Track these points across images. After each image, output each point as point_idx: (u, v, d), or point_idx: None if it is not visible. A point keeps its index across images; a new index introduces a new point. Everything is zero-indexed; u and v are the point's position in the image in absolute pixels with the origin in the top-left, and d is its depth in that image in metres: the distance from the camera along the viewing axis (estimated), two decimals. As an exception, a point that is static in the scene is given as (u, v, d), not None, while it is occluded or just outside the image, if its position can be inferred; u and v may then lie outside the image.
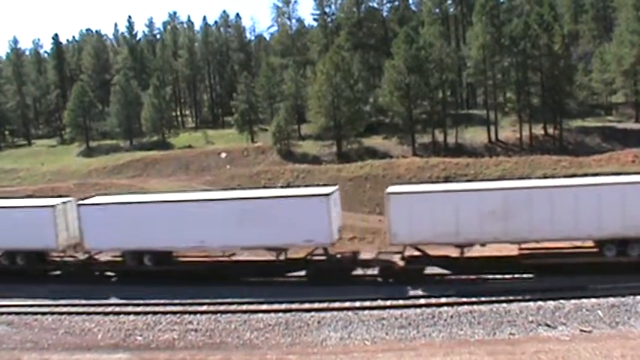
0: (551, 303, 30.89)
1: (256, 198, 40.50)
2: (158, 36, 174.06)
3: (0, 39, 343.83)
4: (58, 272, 44.08)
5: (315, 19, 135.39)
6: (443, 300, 32.41)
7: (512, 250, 37.56)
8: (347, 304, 32.95)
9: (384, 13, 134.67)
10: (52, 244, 42.20)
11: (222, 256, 41.83)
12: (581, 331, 28.45)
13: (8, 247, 43.55)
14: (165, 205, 41.75)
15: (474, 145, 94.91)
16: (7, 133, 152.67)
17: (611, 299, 30.73)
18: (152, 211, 40.88)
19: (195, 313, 33.67)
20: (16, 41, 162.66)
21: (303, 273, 39.20)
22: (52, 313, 35.24)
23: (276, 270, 39.67)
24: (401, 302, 32.79)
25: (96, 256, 43.24)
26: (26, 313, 35.62)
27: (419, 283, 35.81)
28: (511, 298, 31.84)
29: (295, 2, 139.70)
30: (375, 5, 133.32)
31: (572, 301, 30.84)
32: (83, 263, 43.10)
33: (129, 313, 34.37)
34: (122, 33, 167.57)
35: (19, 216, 43.11)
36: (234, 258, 41.89)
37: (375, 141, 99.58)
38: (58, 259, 44.53)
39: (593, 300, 30.85)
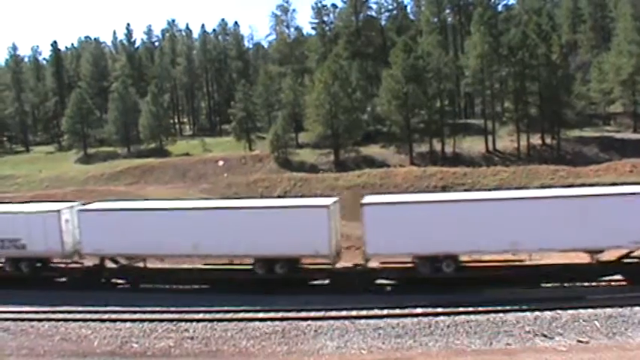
0: (548, 313, 30.82)
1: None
2: (156, 43, 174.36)
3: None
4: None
5: (313, 28, 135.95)
6: (439, 309, 32.34)
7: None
8: (343, 313, 32.88)
9: (383, 22, 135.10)
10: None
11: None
12: (578, 341, 28.38)
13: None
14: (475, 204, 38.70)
15: (471, 154, 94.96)
16: (5, 139, 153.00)
17: (609, 310, 30.67)
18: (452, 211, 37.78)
19: (191, 320, 33.55)
20: (15, 48, 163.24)
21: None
22: (49, 320, 35.09)
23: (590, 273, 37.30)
24: (397, 311, 32.70)
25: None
26: (22, 320, 35.50)
27: (415, 292, 35.82)
28: (508, 308, 31.76)
29: (294, 11, 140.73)
30: (374, 14, 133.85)
31: (570, 312, 30.78)
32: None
33: (125, 320, 34.26)
34: (121, 40, 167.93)
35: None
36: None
37: (373, 150, 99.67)
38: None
39: (591, 310, 30.79)
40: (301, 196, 64.93)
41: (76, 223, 42.16)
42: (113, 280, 42.54)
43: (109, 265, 42.33)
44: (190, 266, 42.38)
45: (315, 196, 62.17)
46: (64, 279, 43.47)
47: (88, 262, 42.88)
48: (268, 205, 42.02)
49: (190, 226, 39.30)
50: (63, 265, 43.78)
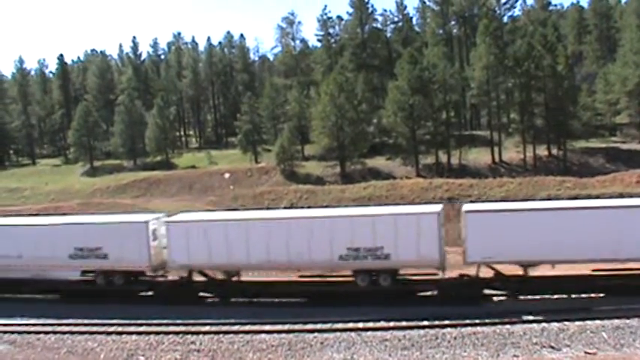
0: (555, 324, 30.75)
1: None
2: (162, 56, 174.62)
3: (6, 59, 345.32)
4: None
5: (318, 40, 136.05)
6: (446, 321, 32.28)
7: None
8: (350, 325, 32.84)
9: (388, 34, 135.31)
10: None
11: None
12: (586, 353, 28.28)
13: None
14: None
15: (477, 165, 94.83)
16: (11, 152, 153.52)
17: (616, 321, 30.58)
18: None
19: (197, 333, 33.54)
20: (21, 61, 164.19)
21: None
22: (55, 332, 35.13)
23: None
24: (404, 323, 32.65)
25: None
26: (29, 332, 35.53)
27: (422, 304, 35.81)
28: (515, 319, 31.72)
29: (299, 23, 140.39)
30: (379, 26, 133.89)
31: (577, 323, 30.70)
32: None
33: (131, 333, 34.27)
34: (127, 53, 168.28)
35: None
36: None
37: (379, 162, 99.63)
38: None
39: (598, 322, 30.71)
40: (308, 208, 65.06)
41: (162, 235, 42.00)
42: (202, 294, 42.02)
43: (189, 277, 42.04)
44: (287, 278, 42.44)
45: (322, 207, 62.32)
46: (150, 293, 43.04)
47: (173, 276, 42.91)
48: None
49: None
50: (150, 279, 43.32)
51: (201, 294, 41.75)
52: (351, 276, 39.33)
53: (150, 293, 42.91)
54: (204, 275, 41.87)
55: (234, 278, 41.75)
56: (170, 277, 42.97)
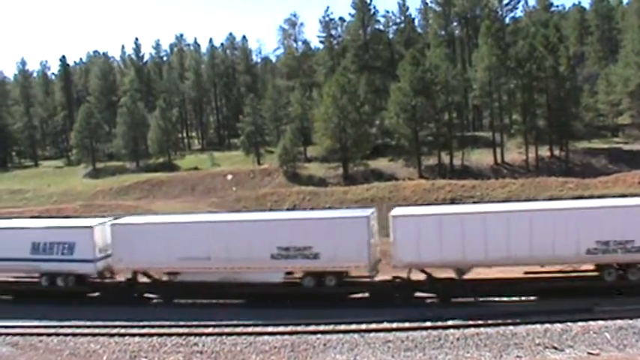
0: (558, 325, 30.71)
1: None
2: (165, 58, 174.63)
3: (8, 61, 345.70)
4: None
5: (321, 42, 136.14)
6: (449, 322, 32.27)
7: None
8: (353, 327, 32.82)
9: (390, 36, 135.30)
10: None
11: None
12: (589, 353, 28.26)
13: None
14: None
15: (479, 167, 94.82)
16: (14, 154, 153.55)
17: (619, 322, 30.54)
18: None
19: (200, 335, 33.53)
20: (24, 63, 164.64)
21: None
22: (57, 335, 35.13)
23: None
24: (407, 324, 32.64)
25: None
26: (31, 334, 35.53)
27: (426, 306, 35.82)
28: (518, 320, 31.69)
29: (301, 24, 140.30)
30: (381, 27, 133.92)
31: (580, 324, 30.66)
32: None
33: (134, 335, 34.28)
34: (129, 55, 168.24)
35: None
36: None
37: (381, 163, 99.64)
38: None
39: (601, 322, 30.66)
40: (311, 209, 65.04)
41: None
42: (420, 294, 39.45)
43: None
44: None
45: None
46: (366, 294, 39.99)
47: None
48: None
49: None
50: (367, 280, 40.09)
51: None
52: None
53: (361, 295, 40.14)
54: (426, 274, 38.78)
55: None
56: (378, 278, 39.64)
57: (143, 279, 42.47)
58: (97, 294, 43.50)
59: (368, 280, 39.15)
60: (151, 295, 42.51)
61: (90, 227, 42.70)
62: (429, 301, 37.73)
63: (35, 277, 44.11)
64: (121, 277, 43.26)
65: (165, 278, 42.12)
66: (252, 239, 39.51)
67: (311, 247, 38.59)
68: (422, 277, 38.43)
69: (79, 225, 45.14)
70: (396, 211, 40.38)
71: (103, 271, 42.69)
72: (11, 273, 45.25)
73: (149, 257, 40.92)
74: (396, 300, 37.72)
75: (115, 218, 45.13)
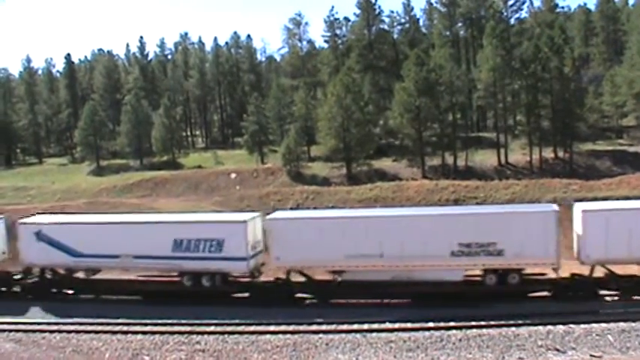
0: (560, 327, 30.74)
1: None
2: (169, 56, 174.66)
3: (13, 58, 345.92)
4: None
5: (325, 41, 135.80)
6: (451, 323, 32.26)
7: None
8: (355, 327, 32.84)
9: (395, 36, 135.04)
10: None
11: None
12: (591, 356, 28.26)
13: None
14: None
15: (483, 167, 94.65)
16: (18, 151, 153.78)
17: (622, 324, 30.56)
18: None
19: (202, 333, 33.60)
20: (29, 60, 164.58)
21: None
22: (60, 332, 35.21)
23: None
24: (409, 325, 32.65)
25: None
26: (34, 331, 35.59)
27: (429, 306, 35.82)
28: (520, 322, 31.70)
29: (306, 24, 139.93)
30: (386, 27, 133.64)
31: (582, 326, 30.69)
32: None
33: (136, 333, 34.32)
34: (134, 53, 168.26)
35: None
36: None
37: (385, 163, 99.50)
38: None
39: (604, 325, 30.69)
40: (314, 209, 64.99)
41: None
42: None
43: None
44: None
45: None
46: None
47: None
48: None
49: None
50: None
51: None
52: None
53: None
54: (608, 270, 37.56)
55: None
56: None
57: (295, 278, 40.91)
58: (245, 294, 41.92)
59: (547, 277, 38.06)
60: (304, 296, 40.76)
61: (243, 222, 40.74)
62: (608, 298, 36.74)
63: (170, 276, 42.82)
64: (265, 277, 41.91)
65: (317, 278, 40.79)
66: (430, 235, 38.14)
67: (495, 243, 37.45)
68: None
69: (231, 220, 43.18)
70: (585, 206, 39.20)
71: (253, 270, 41.17)
72: (148, 272, 43.59)
73: (311, 254, 39.33)
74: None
75: (267, 213, 43.47)
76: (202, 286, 41.11)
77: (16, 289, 44.52)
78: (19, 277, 45.06)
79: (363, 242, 38.51)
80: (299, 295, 40.47)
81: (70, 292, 44.35)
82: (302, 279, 40.75)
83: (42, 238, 43.66)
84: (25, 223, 45.64)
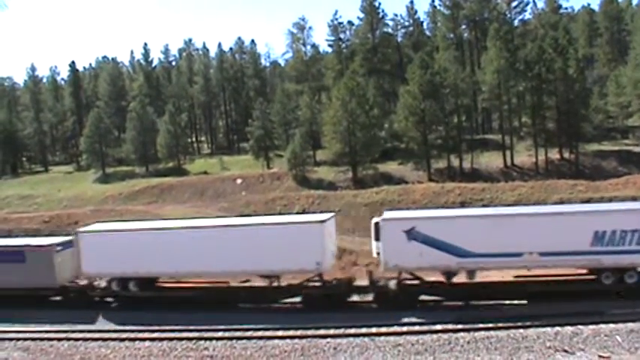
0: (568, 328, 30.62)
1: None
2: (174, 63, 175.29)
3: (18, 67, 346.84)
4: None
5: (329, 45, 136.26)
6: (459, 326, 32.19)
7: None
8: (363, 330, 32.77)
9: (399, 39, 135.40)
10: None
11: None
12: (600, 356, 28.13)
13: None
14: None
15: (489, 170, 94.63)
16: (24, 159, 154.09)
17: (630, 324, 30.42)
18: None
19: (210, 339, 33.53)
20: (33, 68, 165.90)
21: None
22: (68, 339, 35.19)
23: None
24: (417, 328, 32.59)
25: None
26: (42, 339, 35.59)
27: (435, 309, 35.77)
28: (528, 323, 31.60)
29: (310, 28, 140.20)
30: (390, 31, 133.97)
31: (591, 327, 30.56)
32: None
33: (144, 339, 34.29)
34: (138, 60, 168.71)
35: None
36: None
37: (391, 166, 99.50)
38: None
39: (612, 325, 30.56)
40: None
41: None
42: None
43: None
44: None
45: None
46: None
47: None
48: None
49: None
50: None
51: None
52: None
53: None
54: None
55: None
56: None
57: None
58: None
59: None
60: None
61: None
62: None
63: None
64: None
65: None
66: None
67: None
68: None
69: None
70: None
71: None
72: (560, 268, 37.39)
73: None
74: None
75: None
76: (625, 284, 36.26)
77: None
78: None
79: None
80: None
81: None
82: None
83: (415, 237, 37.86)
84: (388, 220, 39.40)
